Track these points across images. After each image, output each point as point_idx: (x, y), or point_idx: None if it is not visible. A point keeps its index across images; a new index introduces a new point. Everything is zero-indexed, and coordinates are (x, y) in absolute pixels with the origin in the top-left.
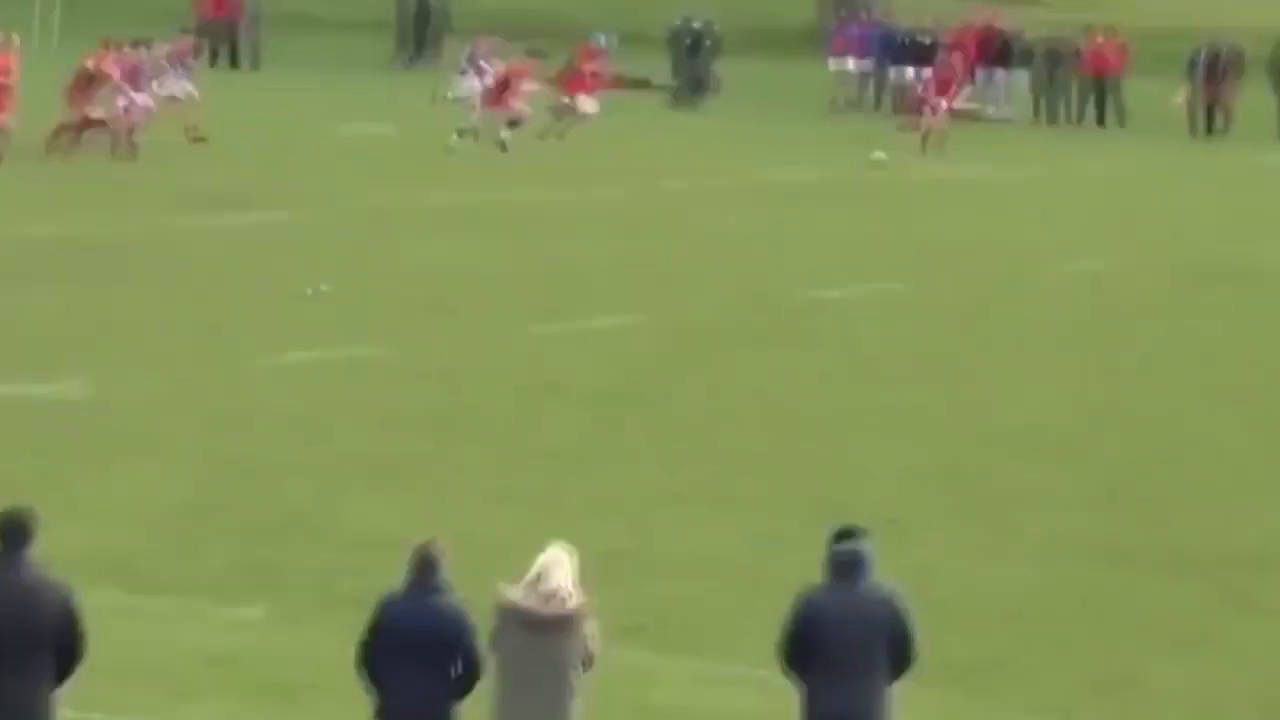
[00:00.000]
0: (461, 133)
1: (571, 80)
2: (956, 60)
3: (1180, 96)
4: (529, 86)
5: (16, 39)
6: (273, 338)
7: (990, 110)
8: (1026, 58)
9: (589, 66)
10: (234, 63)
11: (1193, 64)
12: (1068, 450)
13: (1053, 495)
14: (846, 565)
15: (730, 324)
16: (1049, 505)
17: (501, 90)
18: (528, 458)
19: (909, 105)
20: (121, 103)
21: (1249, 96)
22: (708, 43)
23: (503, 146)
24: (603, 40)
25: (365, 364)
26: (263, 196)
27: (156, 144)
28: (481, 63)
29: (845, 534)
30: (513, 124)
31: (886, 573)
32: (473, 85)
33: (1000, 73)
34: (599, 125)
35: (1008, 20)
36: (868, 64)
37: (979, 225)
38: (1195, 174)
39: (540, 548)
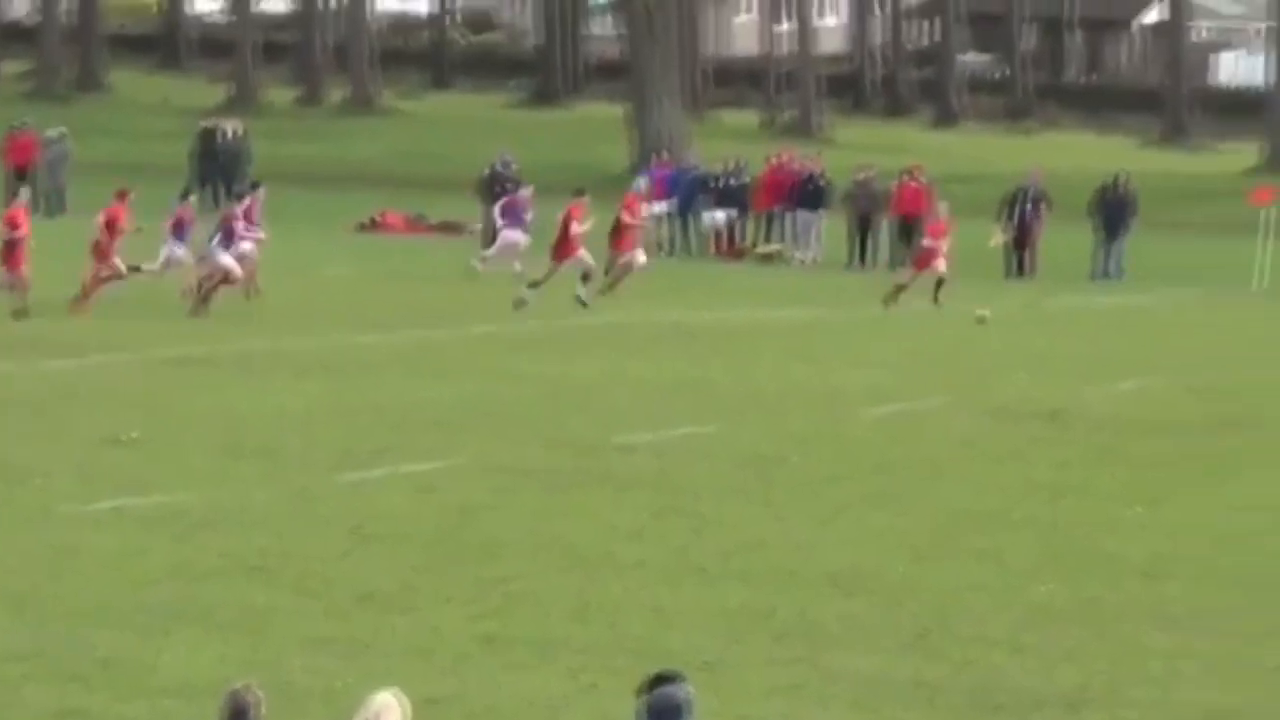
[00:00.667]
0: (532, 284)
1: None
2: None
3: (998, 238)
4: (584, 228)
5: (26, 193)
6: (83, 484)
7: (796, 254)
8: (832, 199)
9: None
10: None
11: (1010, 206)
12: (880, 592)
13: (867, 637)
14: (665, 712)
15: (543, 467)
16: (863, 647)
17: (566, 237)
18: (344, 603)
19: (720, 247)
20: None
21: (1061, 239)
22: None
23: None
24: (642, 186)
25: (177, 510)
26: (72, 343)
27: None
28: (523, 214)
29: (662, 679)
30: (586, 278)
31: (705, 717)
32: (516, 238)
33: (807, 215)
34: (412, 268)
35: (807, 163)
36: (671, 206)
37: (792, 369)
38: (1013, 314)
39: (366, 694)
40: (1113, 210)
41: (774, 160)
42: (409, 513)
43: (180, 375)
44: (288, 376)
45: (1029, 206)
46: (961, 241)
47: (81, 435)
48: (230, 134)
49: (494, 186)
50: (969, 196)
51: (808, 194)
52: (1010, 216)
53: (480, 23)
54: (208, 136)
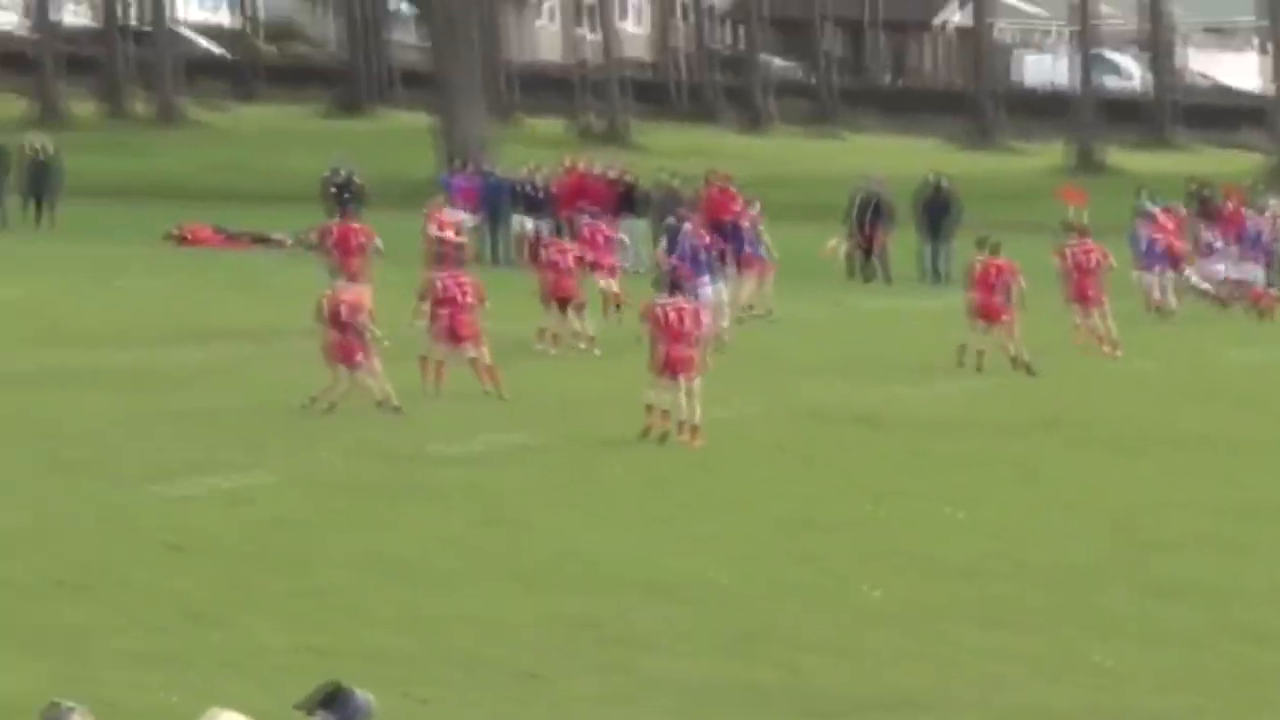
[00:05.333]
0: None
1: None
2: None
3: (834, 243)
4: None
5: None
6: None
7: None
8: (644, 206)
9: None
10: None
11: (857, 210)
12: (702, 598)
13: (690, 642)
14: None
15: (357, 479)
16: (687, 652)
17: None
18: (163, 618)
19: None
20: None
21: (895, 242)
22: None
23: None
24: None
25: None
26: None
27: None
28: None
29: (334, 690)
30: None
31: None
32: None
33: (629, 222)
34: (221, 280)
35: (611, 170)
36: (479, 217)
37: (604, 377)
38: (841, 319)
39: (198, 711)
40: (935, 212)
41: (570, 165)
42: (223, 526)
43: None
44: (98, 391)
45: (871, 213)
46: (783, 246)
47: None
48: (40, 149)
49: (333, 193)
50: (780, 201)
51: (625, 202)
52: (860, 224)
53: (282, 32)
54: None
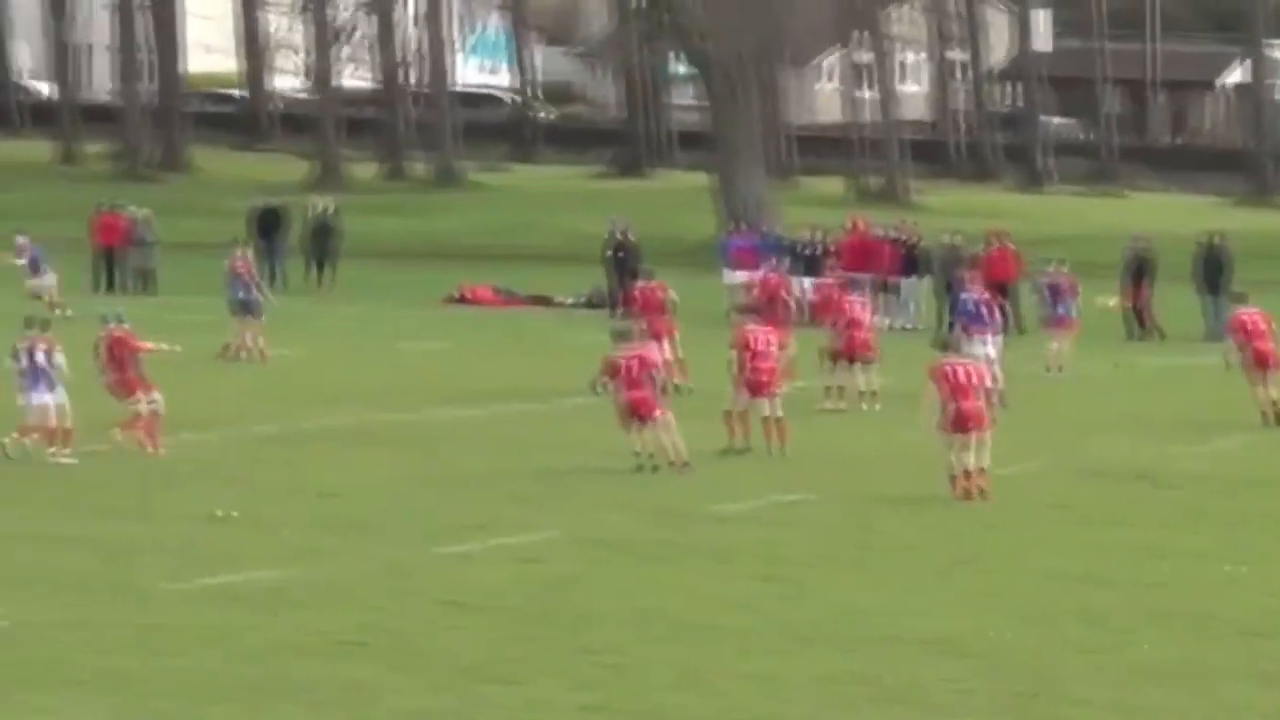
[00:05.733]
0: None
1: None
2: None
3: (1112, 300)
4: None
5: None
6: (181, 562)
7: (886, 320)
8: (925, 265)
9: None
10: (112, 286)
11: (1125, 268)
12: (981, 654)
13: (970, 700)
14: None
15: (638, 538)
16: (966, 709)
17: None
18: (444, 676)
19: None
20: None
21: (1173, 300)
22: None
23: None
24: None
25: (274, 586)
26: (169, 421)
27: None
28: None
29: None
30: None
31: None
32: None
33: (910, 282)
34: (501, 341)
35: (894, 230)
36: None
37: (883, 433)
38: (1120, 377)
39: None
40: (1212, 270)
41: (852, 226)
42: (505, 585)
43: (273, 451)
44: (379, 451)
45: (1137, 271)
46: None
47: (179, 513)
48: (322, 211)
49: (615, 254)
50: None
51: (907, 261)
52: (1129, 282)
53: (561, 94)
54: (267, 213)
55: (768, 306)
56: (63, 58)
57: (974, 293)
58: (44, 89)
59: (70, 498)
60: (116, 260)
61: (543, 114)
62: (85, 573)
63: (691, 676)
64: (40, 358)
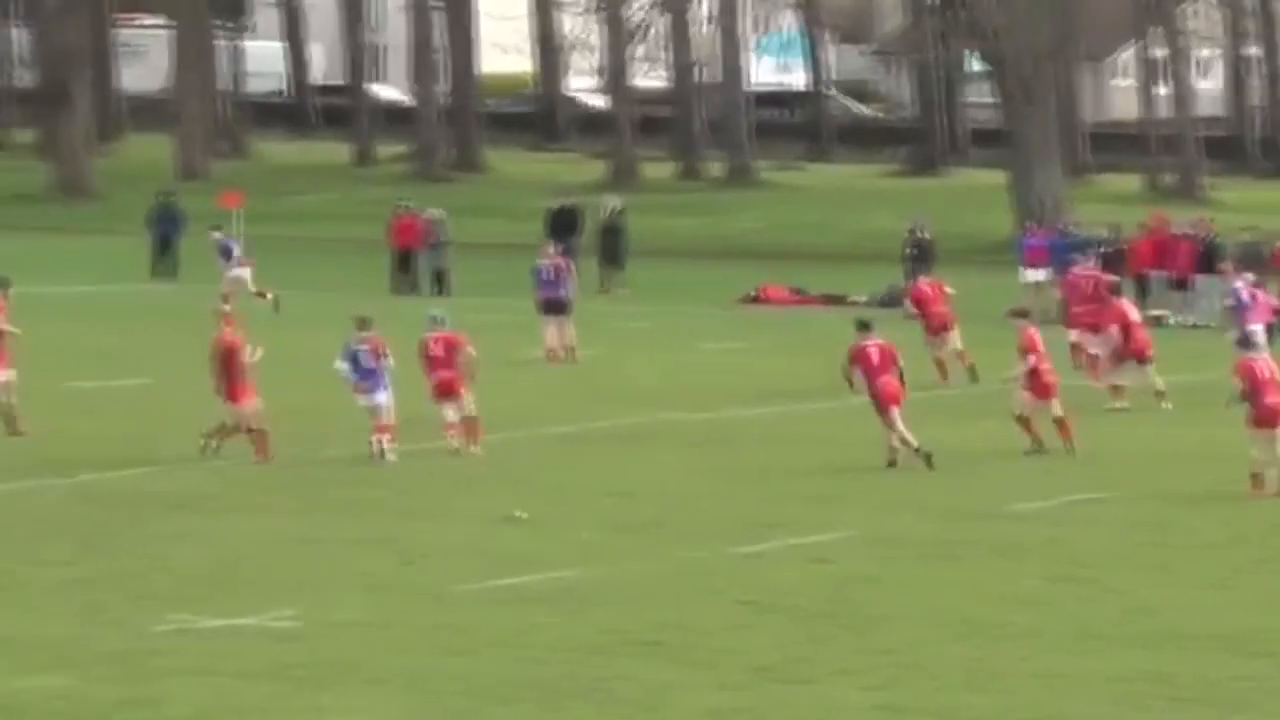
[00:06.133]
0: None
1: None
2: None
3: None
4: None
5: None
6: (476, 563)
7: (1176, 317)
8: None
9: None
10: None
11: None
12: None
13: (1270, 699)
14: None
15: (931, 537)
16: (1267, 711)
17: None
18: (739, 676)
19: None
20: None
21: None
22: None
23: None
24: None
25: (569, 586)
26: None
27: None
28: None
29: None
30: None
31: None
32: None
33: (1200, 278)
34: (795, 341)
35: (1193, 227)
36: (1049, 273)
37: (1177, 432)
38: None
39: None
40: None
41: (1153, 223)
42: (797, 584)
43: (568, 452)
44: (673, 450)
45: None
46: None
47: (475, 514)
48: (611, 210)
49: (913, 251)
50: None
51: (1204, 258)
52: None
53: (854, 92)
54: (563, 213)
55: (1089, 301)
56: (358, 60)
57: (1243, 283)
58: (397, 95)
59: (369, 500)
60: (412, 261)
61: (859, 109)
62: (381, 573)
63: (983, 675)
64: (368, 358)
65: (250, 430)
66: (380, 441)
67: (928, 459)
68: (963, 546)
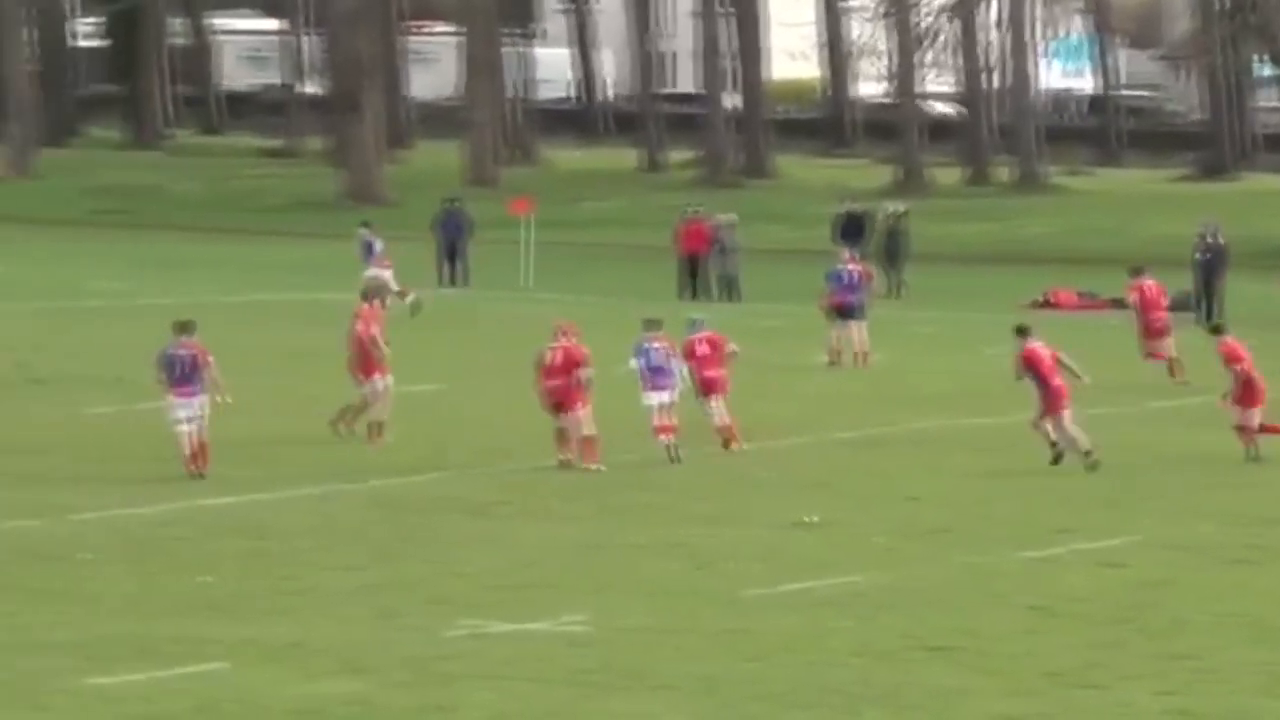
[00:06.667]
0: None
1: None
2: None
3: None
4: None
5: None
6: (767, 567)
7: None
8: None
9: None
10: (695, 293)
11: None
12: None
13: None
14: None
15: (1223, 542)
16: None
17: None
18: (1029, 681)
19: None
20: None
21: None
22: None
23: None
24: None
25: (858, 591)
26: (750, 429)
27: None
28: None
29: None
30: None
31: None
32: None
33: None
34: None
35: None
36: None
37: None
38: None
39: None
40: None
41: None
42: (1090, 590)
43: (856, 456)
44: (961, 455)
45: None
46: None
47: (764, 519)
48: (893, 214)
49: (1204, 256)
50: None
51: None
52: None
53: (1145, 97)
54: (850, 219)
55: None
56: (647, 66)
57: None
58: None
59: (658, 504)
60: (699, 267)
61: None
62: (671, 578)
63: (1278, 681)
64: (660, 356)
65: (583, 438)
66: (669, 442)
67: (1093, 464)
68: (1258, 551)
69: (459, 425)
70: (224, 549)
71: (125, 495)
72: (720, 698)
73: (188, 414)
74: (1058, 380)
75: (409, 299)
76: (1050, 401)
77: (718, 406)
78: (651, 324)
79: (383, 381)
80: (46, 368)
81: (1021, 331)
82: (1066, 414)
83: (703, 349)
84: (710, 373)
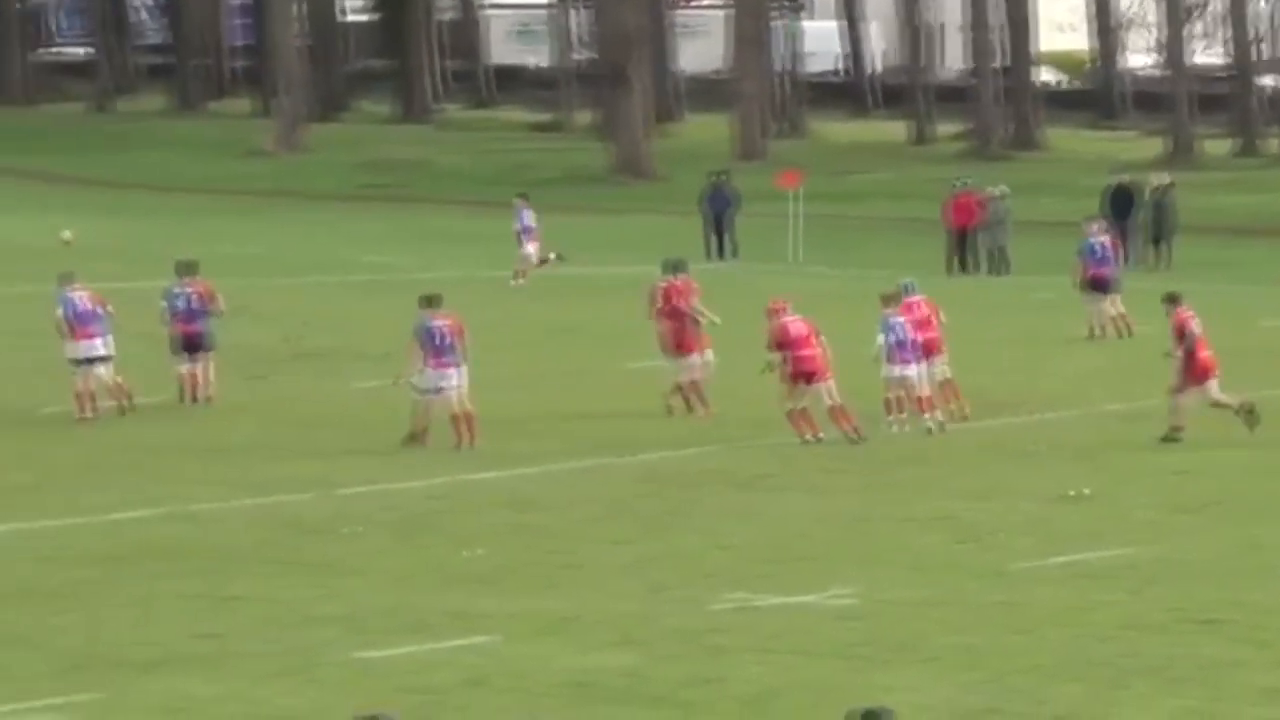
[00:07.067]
0: None
1: None
2: None
3: None
4: None
5: None
6: (1036, 540)
7: None
8: None
9: None
10: (965, 267)
11: None
12: None
13: None
14: None
15: None
16: None
17: None
18: None
19: None
20: None
21: None
22: None
23: None
24: None
25: (1128, 564)
26: (1018, 401)
27: None
28: None
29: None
30: None
31: None
32: None
33: None
34: None
35: None
36: None
37: None
38: None
39: None
40: None
41: None
42: None
43: (1123, 429)
44: (1230, 428)
45: None
46: None
47: (1031, 492)
48: (1158, 186)
49: None
50: None
51: None
52: None
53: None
54: (1120, 191)
55: None
56: (915, 39)
57: None
58: None
59: (924, 478)
60: (968, 240)
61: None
62: (938, 551)
63: None
64: (905, 330)
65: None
66: (931, 414)
67: (1250, 416)
68: None
69: (726, 398)
70: (492, 523)
71: (392, 469)
72: (987, 670)
73: (446, 385)
74: (1206, 352)
75: (550, 259)
76: (1198, 373)
77: (940, 369)
78: (891, 299)
79: (700, 357)
80: (315, 341)
81: (1172, 299)
82: (1213, 384)
83: (919, 312)
84: (928, 335)
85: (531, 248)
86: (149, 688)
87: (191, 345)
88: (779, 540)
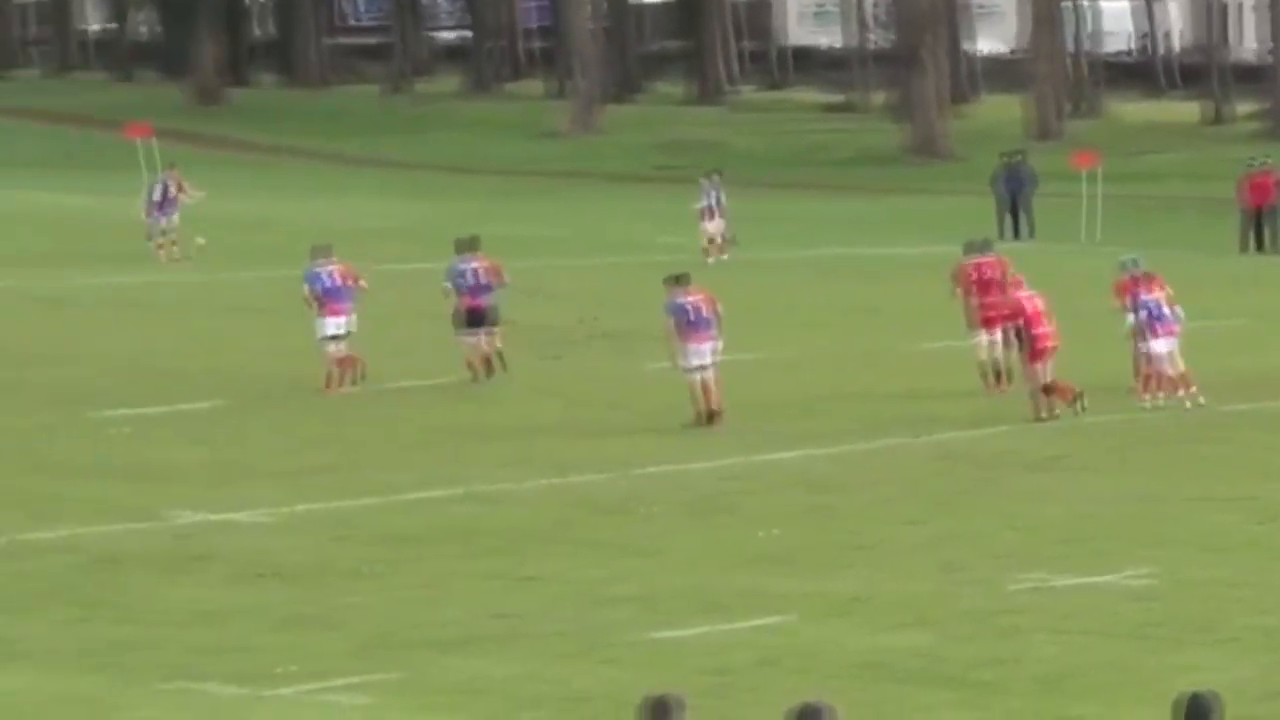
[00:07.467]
0: None
1: None
2: None
3: None
4: None
5: None
6: None
7: None
8: None
9: None
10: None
11: None
12: None
13: None
14: None
15: None
16: None
17: None
18: None
19: None
20: None
21: None
22: None
23: None
24: None
25: None
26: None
27: None
28: None
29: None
30: None
31: None
32: None
33: None
34: None
35: None
36: None
37: None
38: None
39: None
40: None
41: None
42: None
43: None
44: None
45: None
46: None
47: None
48: None
49: None
50: None
51: None
52: None
53: None
54: None
55: None
56: (1212, 17)
57: None
58: None
59: (1220, 457)
60: (1265, 220)
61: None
62: (1235, 531)
63: None
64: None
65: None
66: (1187, 391)
67: None
68: None
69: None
70: (785, 503)
71: (685, 449)
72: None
73: (700, 361)
74: None
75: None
76: None
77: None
78: (1147, 279)
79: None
80: (610, 322)
81: None
82: None
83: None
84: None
85: (712, 225)
86: (446, 667)
87: (476, 319)
88: (1073, 520)
